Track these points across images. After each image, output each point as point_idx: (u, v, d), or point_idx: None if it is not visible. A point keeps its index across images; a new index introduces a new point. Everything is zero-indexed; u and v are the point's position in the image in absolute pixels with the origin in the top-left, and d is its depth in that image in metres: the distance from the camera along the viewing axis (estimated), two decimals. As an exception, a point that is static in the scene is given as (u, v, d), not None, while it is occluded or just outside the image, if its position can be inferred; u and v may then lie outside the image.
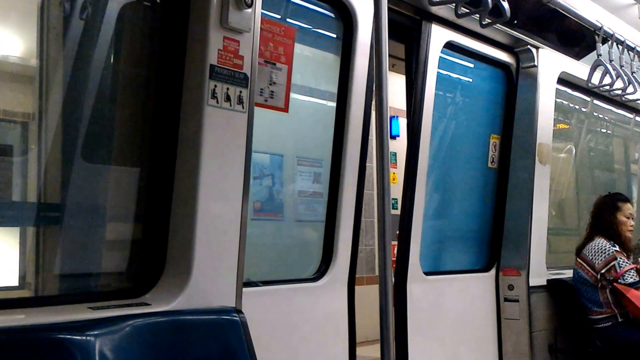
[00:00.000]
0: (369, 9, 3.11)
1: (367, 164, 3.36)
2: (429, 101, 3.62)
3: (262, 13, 2.55)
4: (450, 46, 3.85)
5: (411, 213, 3.49)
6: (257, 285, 2.85)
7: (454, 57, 4.07)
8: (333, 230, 3.20)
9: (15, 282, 2.43)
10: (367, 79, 3.23)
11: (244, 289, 2.55)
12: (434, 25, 3.61)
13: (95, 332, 1.95)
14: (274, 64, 2.84)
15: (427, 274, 3.67)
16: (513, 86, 4.32)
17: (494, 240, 4.29)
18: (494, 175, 4.36)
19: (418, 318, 3.44)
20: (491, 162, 4.31)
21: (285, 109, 2.91)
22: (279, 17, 3.01)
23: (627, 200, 4.58)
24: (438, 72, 3.71)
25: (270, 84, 2.81)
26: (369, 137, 3.29)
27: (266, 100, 2.81)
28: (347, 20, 3.18)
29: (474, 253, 4.36)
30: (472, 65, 4.29)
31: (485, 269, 4.25)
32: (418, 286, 3.56)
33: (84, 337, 1.92)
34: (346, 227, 3.17)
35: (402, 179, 3.65)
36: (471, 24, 3.76)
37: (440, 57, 3.72)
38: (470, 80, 4.41)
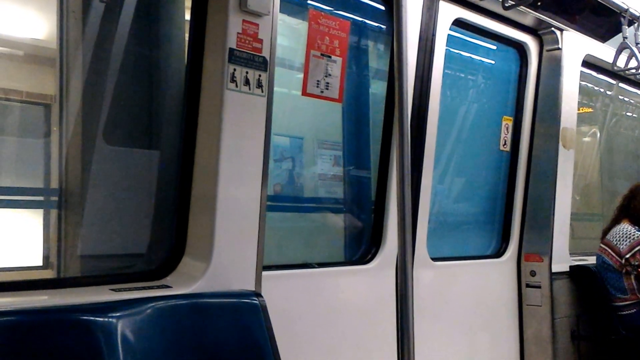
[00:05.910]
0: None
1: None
2: (437, 81, 3.48)
3: (315, 6, 2.56)
4: (460, 24, 3.71)
5: (417, 198, 3.43)
6: (313, 267, 2.97)
7: (464, 35, 3.90)
8: (382, 213, 3.26)
9: (39, 262, 2.47)
10: (415, 68, 3.30)
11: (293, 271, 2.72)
12: (442, 2, 3.48)
13: (117, 314, 1.97)
14: (330, 57, 2.90)
15: (434, 259, 3.61)
16: (528, 67, 4.20)
17: (507, 226, 4.20)
18: (506, 159, 4.24)
19: (424, 306, 3.38)
20: (503, 145, 4.17)
21: (340, 99, 3.03)
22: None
23: None
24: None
25: (326, 76, 2.88)
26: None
27: (322, 92, 2.90)
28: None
29: (483, 239, 4.26)
30: (482, 44, 4.13)
31: (497, 255, 4.17)
32: (425, 272, 3.50)
33: (106, 319, 1.94)
34: (395, 210, 3.19)
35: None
36: (487, 2, 3.64)
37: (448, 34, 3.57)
38: (482, 59, 4.25)
